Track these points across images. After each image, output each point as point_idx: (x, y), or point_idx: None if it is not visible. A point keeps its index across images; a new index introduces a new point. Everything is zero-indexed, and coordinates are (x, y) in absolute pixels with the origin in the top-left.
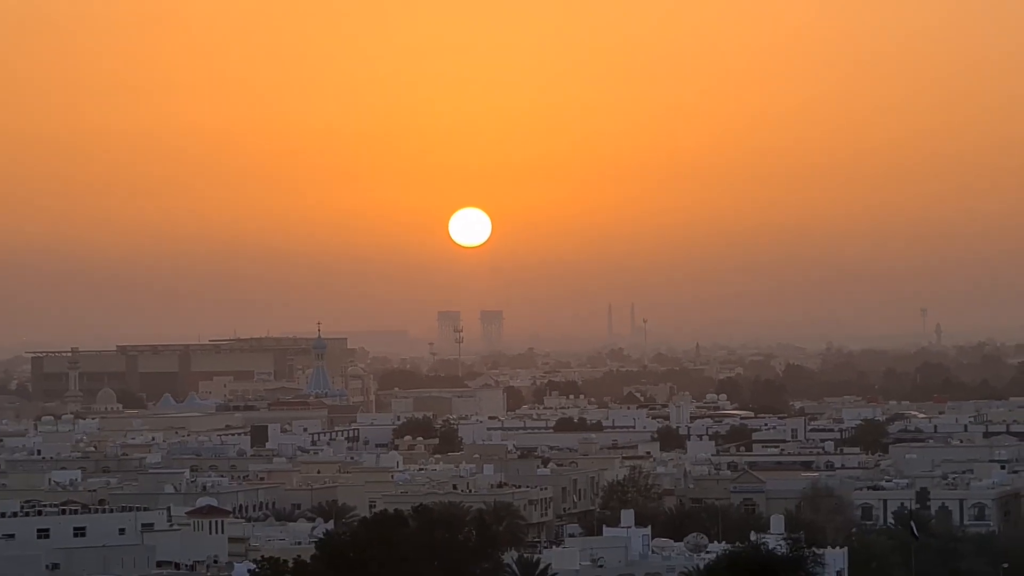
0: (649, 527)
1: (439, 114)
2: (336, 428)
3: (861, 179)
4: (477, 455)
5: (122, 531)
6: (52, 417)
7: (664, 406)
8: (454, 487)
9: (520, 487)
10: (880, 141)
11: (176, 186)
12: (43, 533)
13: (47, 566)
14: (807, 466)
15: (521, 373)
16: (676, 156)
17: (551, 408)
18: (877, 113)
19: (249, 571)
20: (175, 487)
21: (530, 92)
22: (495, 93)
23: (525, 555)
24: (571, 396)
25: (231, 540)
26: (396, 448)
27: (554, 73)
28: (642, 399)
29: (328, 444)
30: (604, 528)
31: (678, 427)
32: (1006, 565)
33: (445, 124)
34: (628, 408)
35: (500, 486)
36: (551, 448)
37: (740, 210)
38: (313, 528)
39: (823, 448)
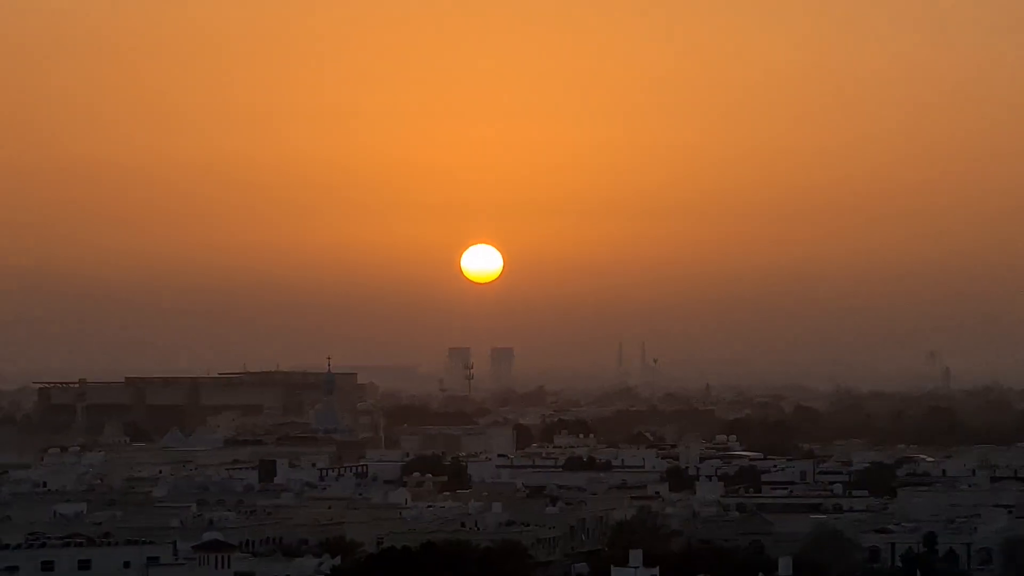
0: (657, 567)
1: (451, 149)
2: (344, 464)
3: (872, 221)
4: (486, 493)
5: (127, 565)
6: (58, 449)
7: (673, 446)
8: (462, 524)
9: (528, 525)
10: (891, 184)
11: (186, 218)
12: (47, 566)
13: None
14: (815, 508)
15: (531, 411)
16: (689, 195)
17: (560, 447)
18: (889, 156)
19: None
20: (181, 521)
21: (543, 128)
22: (507, 129)
23: None
24: (581, 435)
25: (237, 575)
26: (404, 485)
27: (567, 109)
28: (651, 439)
29: (336, 480)
30: (612, 568)
31: (687, 467)
32: None
33: (457, 159)
34: (637, 448)
35: (508, 524)
36: (560, 487)
37: (751, 250)
38: (320, 564)
39: (831, 490)
